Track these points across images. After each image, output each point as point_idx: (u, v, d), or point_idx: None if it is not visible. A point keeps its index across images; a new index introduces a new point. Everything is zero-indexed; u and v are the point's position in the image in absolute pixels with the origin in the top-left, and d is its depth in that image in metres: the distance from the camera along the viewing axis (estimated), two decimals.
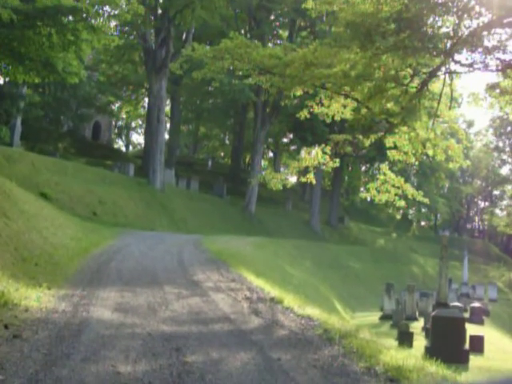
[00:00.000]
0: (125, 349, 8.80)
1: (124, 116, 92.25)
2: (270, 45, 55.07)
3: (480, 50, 18.72)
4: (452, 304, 29.51)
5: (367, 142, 23.03)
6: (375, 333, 15.47)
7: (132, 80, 66.08)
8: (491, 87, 20.84)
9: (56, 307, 11.33)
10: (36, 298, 11.66)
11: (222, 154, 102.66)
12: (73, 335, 9.34)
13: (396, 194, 24.17)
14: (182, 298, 13.79)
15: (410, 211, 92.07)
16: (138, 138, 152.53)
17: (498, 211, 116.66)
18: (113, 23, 43.17)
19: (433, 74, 20.67)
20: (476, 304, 38.63)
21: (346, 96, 22.11)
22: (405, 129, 21.92)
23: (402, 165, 60.33)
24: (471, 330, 24.42)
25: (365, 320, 33.40)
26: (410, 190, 24.55)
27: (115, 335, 9.68)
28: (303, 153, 23.60)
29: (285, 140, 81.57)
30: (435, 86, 24.68)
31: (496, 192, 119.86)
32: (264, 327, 11.24)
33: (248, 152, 76.85)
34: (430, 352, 16.85)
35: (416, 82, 21.46)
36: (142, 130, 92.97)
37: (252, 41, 26.12)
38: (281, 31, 68.96)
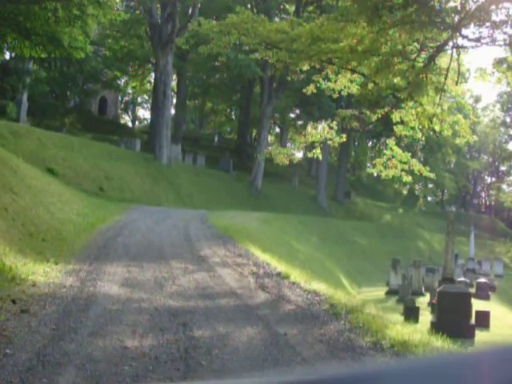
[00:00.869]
0: (132, 324, 8.85)
1: (130, 91, 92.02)
2: (276, 19, 54.68)
3: (488, 24, 18.60)
4: (458, 279, 29.57)
5: (374, 117, 22.95)
6: (381, 308, 15.54)
7: (138, 55, 65.72)
8: (499, 62, 20.74)
9: (63, 282, 11.38)
10: (43, 273, 11.71)
11: (229, 129, 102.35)
12: (80, 310, 9.40)
13: (403, 170, 24.11)
14: (189, 273, 13.84)
15: (417, 187, 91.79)
16: (145, 114, 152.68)
17: (504, 186, 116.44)
18: None
19: (440, 49, 20.56)
20: (482, 279, 38.71)
21: (353, 71, 22.02)
22: (411, 104, 21.82)
23: (409, 140, 60.00)
24: (477, 305, 24.51)
25: (371, 295, 33.51)
26: (416, 165, 24.48)
27: (122, 310, 9.73)
28: (310, 128, 23.53)
29: (291, 115, 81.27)
30: (442, 61, 24.58)
31: (503, 167, 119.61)
32: (270, 302, 11.29)
33: (254, 127, 76.65)
34: (436, 327, 16.90)
35: (423, 56, 21.37)
36: (149, 105, 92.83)
37: (258, 15, 25.97)
38: (287, 6, 68.52)
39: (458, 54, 21.32)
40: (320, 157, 24.40)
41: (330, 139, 22.28)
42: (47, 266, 12.57)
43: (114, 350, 7.57)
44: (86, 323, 8.66)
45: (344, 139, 23.18)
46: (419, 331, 10.50)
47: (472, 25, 19.06)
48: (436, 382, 1.53)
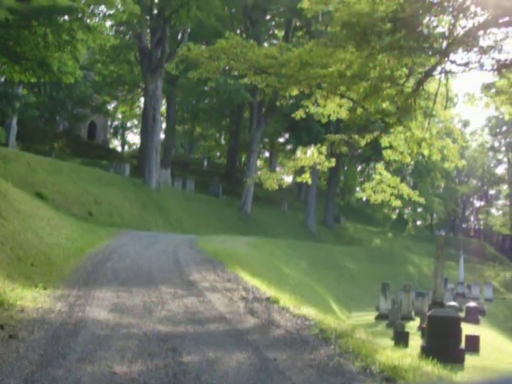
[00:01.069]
0: (121, 349, 8.80)
1: (120, 116, 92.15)
2: (265, 45, 55.01)
3: (475, 49, 18.74)
4: (448, 303, 29.62)
5: (363, 142, 23.00)
6: (371, 332, 15.52)
7: (128, 80, 65.82)
8: (487, 87, 20.90)
9: (52, 307, 11.32)
10: (32, 299, 11.65)
11: (218, 153, 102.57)
12: (69, 335, 9.34)
13: (392, 194, 24.17)
14: (178, 297, 13.79)
15: (406, 211, 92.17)
16: (134, 138, 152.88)
17: (493, 211, 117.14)
18: (108, 23, 43.23)
19: (428, 74, 20.68)
20: (472, 303, 38.74)
21: (342, 96, 22.11)
22: (400, 128, 21.92)
23: (398, 165, 60.25)
24: (467, 329, 24.47)
25: (361, 320, 33.45)
26: (405, 189, 24.55)
27: (111, 335, 9.68)
28: (299, 153, 23.55)
29: (280, 140, 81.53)
30: (431, 86, 24.70)
31: (491, 192, 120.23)
32: (260, 327, 11.25)
33: (244, 152, 76.79)
34: (426, 351, 16.88)
35: (411, 81, 21.49)
36: (138, 130, 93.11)
37: (248, 41, 26.12)
38: (276, 31, 68.97)
39: (447, 79, 21.45)
40: (309, 181, 24.43)
41: (320, 164, 22.32)
42: (36, 291, 12.50)
43: (102, 375, 7.52)
44: (75, 349, 8.60)
45: (333, 164, 23.22)
46: (409, 356, 10.47)
47: (460, 50, 19.20)
48: None
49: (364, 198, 61.59)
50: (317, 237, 64.90)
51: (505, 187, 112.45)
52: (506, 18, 18.22)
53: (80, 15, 23.93)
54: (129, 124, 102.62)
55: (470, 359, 20.04)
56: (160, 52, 48.03)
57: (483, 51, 18.64)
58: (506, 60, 18.81)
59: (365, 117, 22.59)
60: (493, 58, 18.97)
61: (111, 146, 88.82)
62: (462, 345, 20.95)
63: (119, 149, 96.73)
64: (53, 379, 7.17)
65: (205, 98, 72.13)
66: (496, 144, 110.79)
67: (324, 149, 22.17)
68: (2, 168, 30.83)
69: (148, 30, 50.22)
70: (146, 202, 44.60)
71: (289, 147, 76.57)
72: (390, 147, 23.50)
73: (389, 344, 19.46)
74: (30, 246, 17.81)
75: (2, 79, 38.28)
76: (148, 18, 48.53)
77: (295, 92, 22.72)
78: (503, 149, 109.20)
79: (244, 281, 17.33)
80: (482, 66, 19.13)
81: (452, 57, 19.88)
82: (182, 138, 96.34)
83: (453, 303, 33.26)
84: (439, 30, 19.71)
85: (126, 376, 7.53)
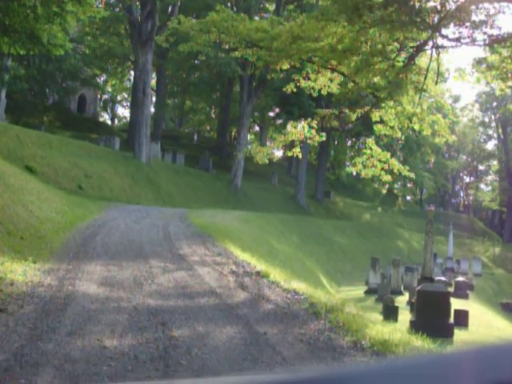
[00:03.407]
0: (111, 323, 8.79)
1: (109, 89, 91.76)
2: (256, 18, 54.65)
3: (467, 24, 18.68)
4: (437, 278, 29.66)
5: (353, 117, 22.96)
6: (360, 307, 15.53)
7: (118, 53, 65.39)
8: (478, 62, 20.85)
9: (42, 281, 11.30)
10: (22, 272, 11.62)
11: (208, 127, 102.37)
12: (58, 309, 9.32)
13: (382, 169, 24.16)
14: (168, 271, 13.78)
15: (396, 186, 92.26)
16: (124, 112, 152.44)
17: (483, 186, 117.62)
18: None
19: (420, 49, 20.63)
20: (461, 278, 38.91)
21: (333, 70, 22.05)
22: (391, 103, 21.90)
23: (388, 139, 60.26)
24: (456, 304, 24.59)
25: (350, 294, 33.53)
26: (395, 164, 24.53)
27: (101, 309, 9.67)
28: (289, 127, 23.48)
29: (271, 114, 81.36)
30: (422, 61, 24.67)
31: (481, 167, 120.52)
32: (250, 301, 11.25)
33: (234, 126, 76.59)
34: (415, 326, 16.96)
35: (403, 56, 21.43)
36: (128, 104, 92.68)
37: (238, 14, 25.94)
38: (268, 4, 68.50)
39: (438, 54, 21.38)
40: (300, 156, 24.41)
41: (310, 138, 22.27)
42: (25, 265, 12.47)
43: (92, 349, 7.52)
44: (65, 323, 8.59)
45: (324, 138, 23.17)
46: (399, 330, 10.52)
47: (452, 25, 19.14)
48: (417, 382, 1.51)
49: (354, 173, 61.59)
50: (307, 211, 64.90)
51: (494, 163, 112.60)
52: None
53: None
54: (119, 97, 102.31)
55: (458, 334, 20.16)
56: (150, 25, 47.67)
57: (475, 26, 18.59)
58: (498, 35, 18.77)
59: (356, 91, 22.53)
60: (484, 33, 18.92)
61: (101, 120, 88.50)
62: (451, 319, 21.05)
63: (109, 122, 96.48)
64: (42, 353, 7.16)
65: (195, 72, 71.79)
66: (486, 119, 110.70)
67: (315, 123, 22.11)
68: None
69: (138, 3, 49.86)
70: (136, 176, 44.48)
71: (279, 121, 76.50)
72: (381, 122, 23.49)
73: (378, 318, 19.52)
74: (20, 220, 17.75)
75: None
76: None
77: (286, 66, 22.65)
78: (493, 124, 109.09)
79: (234, 255, 17.33)
80: (473, 40, 19.09)
81: (444, 31, 19.85)
82: (172, 111, 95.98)
83: (442, 278, 33.35)
84: (431, 4, 19.62)
85: (116, 350, 7.53)
